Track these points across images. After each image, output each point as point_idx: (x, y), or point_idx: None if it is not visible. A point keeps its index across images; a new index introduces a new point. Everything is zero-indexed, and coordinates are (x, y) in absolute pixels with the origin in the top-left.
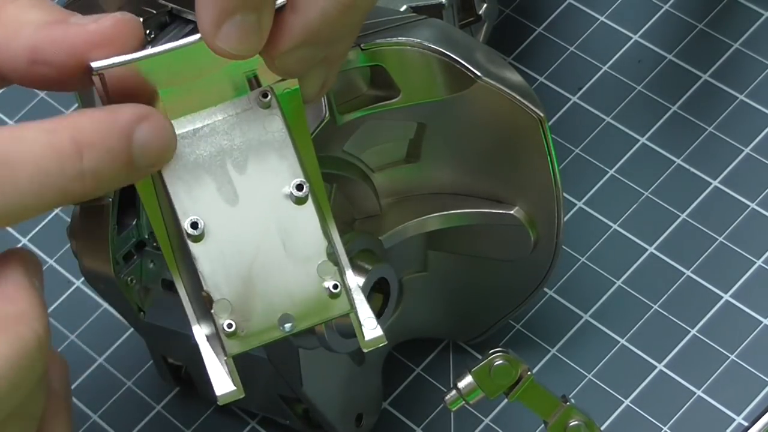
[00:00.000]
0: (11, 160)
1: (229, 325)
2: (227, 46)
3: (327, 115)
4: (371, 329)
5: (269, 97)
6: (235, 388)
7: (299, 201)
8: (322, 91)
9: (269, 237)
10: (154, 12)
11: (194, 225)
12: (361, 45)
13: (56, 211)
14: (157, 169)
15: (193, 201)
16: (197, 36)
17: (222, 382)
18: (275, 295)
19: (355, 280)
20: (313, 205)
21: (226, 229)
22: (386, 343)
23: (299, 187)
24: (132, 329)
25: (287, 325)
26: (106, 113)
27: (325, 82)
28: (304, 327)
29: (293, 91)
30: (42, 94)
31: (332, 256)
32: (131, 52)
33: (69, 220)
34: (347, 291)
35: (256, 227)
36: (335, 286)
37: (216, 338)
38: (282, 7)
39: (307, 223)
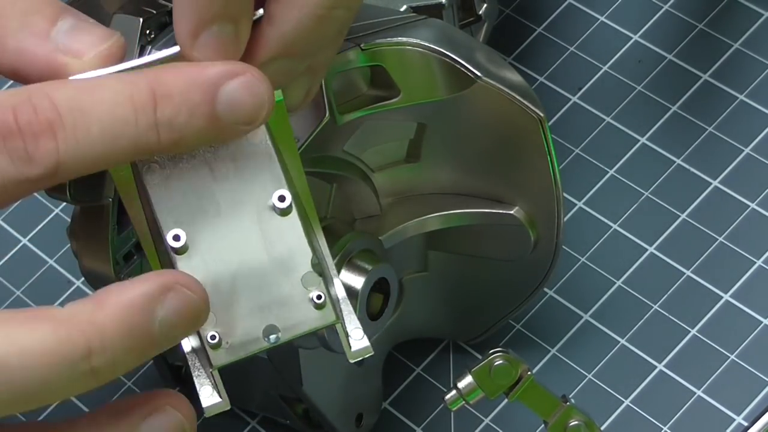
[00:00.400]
0: (86, 107)
1: (213, 337)
2: (204, 57)
3: (327, 115)
4: (357, 340)
5: None
6: (221, 399)
7: (283, 212)
8: (306, 100)
9: (253, 248)
10: (154, 12)
11: (177, 237)
12: (361, 45)
13: (56, 210)
14: (253, 128)
15: (176, 213)
16: (176, 48)
17: (208, 394)
18: (260, 307)
19: (342, 291)
20: (298, 216)
21: (210, 241)
22: (372, 353)
23: (281, 199)
24: None
25: (272, 337)
26: (193, 68)
27: (309, 92)
28: (290, 338)
29: (277, 103)
30: None
31: (317, 266)
32: None
33: (69, 220)
34: (333, 302)
35: (240, 239)
36: (319, 297)
37: (202, 349)
38: (260, 19)
39: (291, 233)
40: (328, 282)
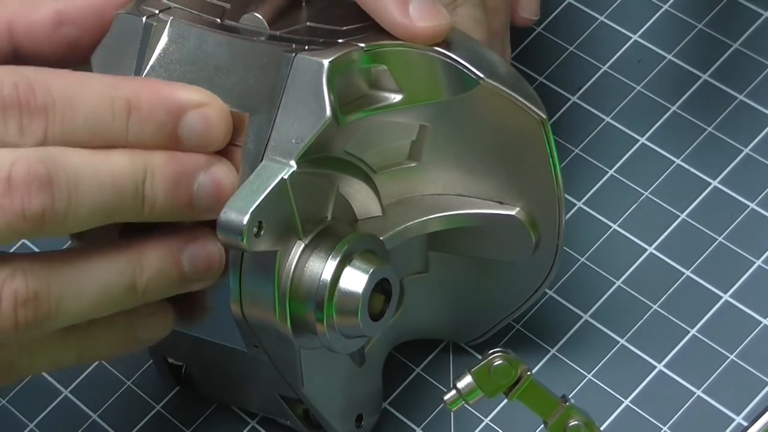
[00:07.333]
0: (75, 101)
1: None
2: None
3: (329, 115)
4: None
5: None
6: None
7: None
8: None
9: None
10: (156, 12)
11: None
12: (364, 46)
13: None
14: (210, 150)
15: None
16: None
17: None
18: None
19: None
20: None
21: None
22: None
23: None
24: None
25: None
26: (167, 88)
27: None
28: None
29: None
30: None
31: None
32: None
33: None
34: None
35: None
36: None
37: None
38: None
39: None
40: None
